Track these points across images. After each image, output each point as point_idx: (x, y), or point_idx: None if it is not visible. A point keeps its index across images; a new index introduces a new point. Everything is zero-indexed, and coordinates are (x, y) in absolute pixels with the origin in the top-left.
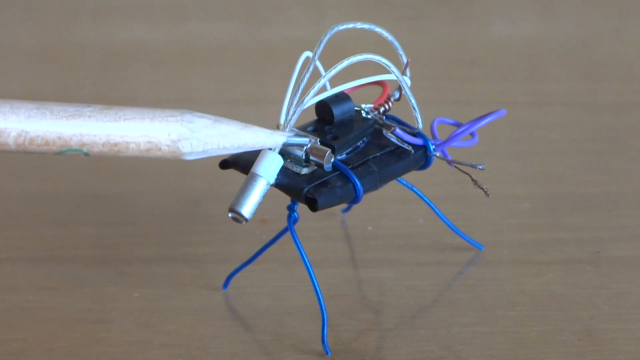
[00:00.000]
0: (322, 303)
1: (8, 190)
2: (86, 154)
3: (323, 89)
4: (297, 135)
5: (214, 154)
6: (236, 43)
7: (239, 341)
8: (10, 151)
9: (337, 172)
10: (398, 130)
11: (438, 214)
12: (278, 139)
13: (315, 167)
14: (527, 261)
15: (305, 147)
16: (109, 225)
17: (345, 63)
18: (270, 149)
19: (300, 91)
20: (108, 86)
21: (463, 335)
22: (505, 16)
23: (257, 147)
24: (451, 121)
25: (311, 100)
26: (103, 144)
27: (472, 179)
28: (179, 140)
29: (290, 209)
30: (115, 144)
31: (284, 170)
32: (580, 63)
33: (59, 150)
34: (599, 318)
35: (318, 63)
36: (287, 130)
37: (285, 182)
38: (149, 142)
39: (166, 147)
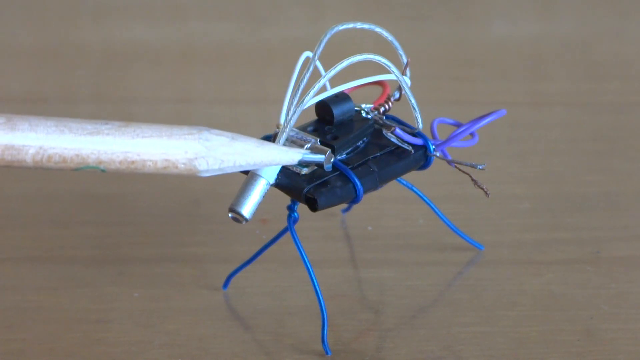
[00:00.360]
0: (322, 303)
1: (8, 190)
2: (103, 171)
3: (323, 89)
4: (312, 152)
5: (229, 171)
6: (236, 43)
7: (239, 341)
8: (28, 167)
9: (337, 172)
10: (398, 130)
11: (438, 214)
12: (294, 156)
13: (315, 167)
14: (527, 261)
15: (305, 147)
16: (109, 225)
17: (345, 63)
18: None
19: (300, 91)
20: (108, 86)
21: (463, 335)
22: (505, 16)
23: (273, 164)
24: (451, 121)
25: (311, 100)
26: (120, 162)
27: (472, 179)
28: (195, 158)
29: (290, 209)
30: (133, 162)
31: (284, 170)
32: (580, 63)
33: (76, 168)
34: (599, 318)
35: (318, 63)
36: (288, 129)
37: (285, 182)
38: (166, 160)
39: (182, 165)
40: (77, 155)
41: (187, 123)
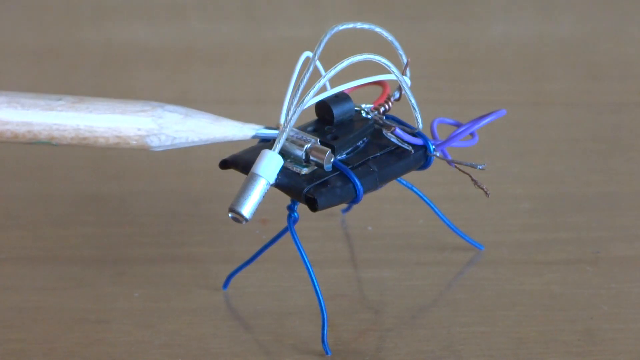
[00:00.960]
0: (322, 303)
1: (8, 190)
2: (55, 145)
3: (323, 89)
4: (268, 128)
5: (182, 146)
6: (236, 43)
7: (239, 341)
8: None
9: (337, 172)
10: (398, 130)
11: (438, 214)
12: (247, 131)
13: (315, 167)
14: (527, 261)
15: (305, 147)
16: (109, 225)
17: (345, 63)
18: (269, 149)
19: (300, 91)
20: (108, 86)
21: (463, 335)
22: (505, 16)
23: (226, 140)
24: (451, 121)
25: (311, 100)
26: (72, 138)
27: (472, 179)
28: (147, 135)
29: (290, 209)
30: (84, 138)
31: (284, 170)
32: (580, 63)
33: (28, 142)
34: (599, 318)
35: (318, 63)
36: (288, 129)
37: (285, 182)
38: (118, 137)
39: (134, 142)
40: (29, 132)
41: None
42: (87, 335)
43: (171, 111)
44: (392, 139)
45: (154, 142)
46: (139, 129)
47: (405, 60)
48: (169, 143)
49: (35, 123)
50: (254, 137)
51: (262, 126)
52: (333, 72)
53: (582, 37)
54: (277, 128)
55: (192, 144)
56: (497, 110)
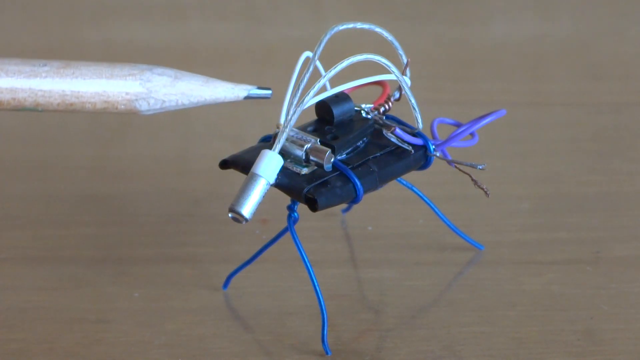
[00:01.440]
0: (322, 303)
1: (8, 190)
2: (41, 111)
3: (323, 89)
4: (260, 88)
5: (173, 109)
6: (236, 43)
7: (239, 341)
8: None
9: (337, 172)
10: (398, 130)
11: (438, 214)
12: (239, 92)
13: (315, 167)
14: (527, 261)
15: (305, 147)
16: (109, 225)
17: (345, 63)
18: (269, 149)
19: (300, 91)
20: None
21: (463, 335)
22: (505, 16)
23: (217, 102)
24: (451, 121)
25: (311, 100)
26: (58, 104)
27: (472, 179)
28: (136, 100)
29: (290, 209)
30: (71, 104)
31: (284, 170)
32: (580, 63)
33: (13, 109)
34: (599, 318)
35: (318, 63)
36: (288, 129)
37: (285, 182)
38: (105, 101)
39: (122, 107)
40: (14, 99)
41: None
42: (87, 335)
43: (160, 74)
44: (392, 139)
45: (143, 106)
46: (126, 93)
47: (405, 60)
48: (158, 107)
49: (19, 90)
50: (246, 97)
51: (254, 86)
52: (333, 72)
53: (582, 37)
54: (269, 89)
55: (182, 107)
56: (497, 110)
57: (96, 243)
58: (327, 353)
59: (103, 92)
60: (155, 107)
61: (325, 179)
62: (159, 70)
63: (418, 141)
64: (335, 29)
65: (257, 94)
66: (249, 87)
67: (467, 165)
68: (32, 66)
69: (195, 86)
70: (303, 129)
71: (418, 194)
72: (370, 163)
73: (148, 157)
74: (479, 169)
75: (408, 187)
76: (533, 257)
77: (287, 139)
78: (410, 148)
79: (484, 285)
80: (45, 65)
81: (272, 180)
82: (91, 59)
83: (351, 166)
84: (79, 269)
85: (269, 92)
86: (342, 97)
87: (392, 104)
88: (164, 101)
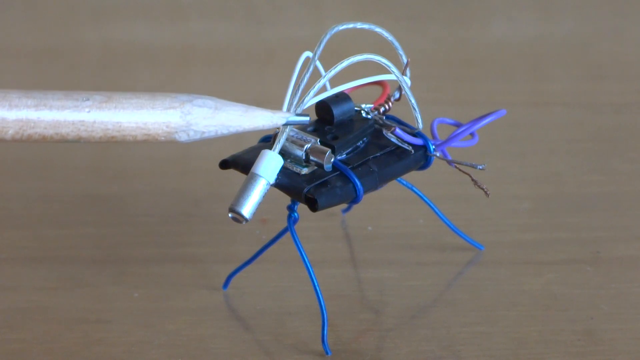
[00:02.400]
0: (322, 303)
1: (8, 190)
2: (82, 143)
3: (323, 89)
4: (298, 115)
5: (211, 138)
6: (236, 43)
7: (239, 341)
8: (6, 142)
9: (337, 172)
10: (398, 130)
11: (438, 214)
12: (278, 120)
13: (315, 167)
14: (527, 261)
15: (305, 147)
16: (109, 225)
17: (345, 63)
18: (271, 149)
19: (300, 91)
20: (108, 86)
21: (463, 335)
22: (505, 16)
23: (256, 130)
24: (451, 121)
25: (311, 100)
26: (100, 137)
27: (472, 179)
28: (176, 132)
29: (290, 209)
30: (112, 137)
31: (284, 170)
32: (580, 63)
33: (55, 142)
34: (599, 318)
35: (318, 63)
36: (288, 129)
37: (285, 182)
38: (146, 134)
39: (163, 139)
40: (57, 134)
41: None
42: (87, 335)
43: (200, 106)
44: (392, 139)
45: (183, 138)
46: (167, 126)
47: (405, 60)
48: (197, 137)
49: (63, 125)
50: (285, 124)
51: (292, 114)
52: (333, 72)
53: (582, 37)
54: (307, 115)
55: (221, 136)
56: (497, 110)
57: (96, 243)
58: (327, 353)
59: (144, 126)
60: (194, 138)
61: (325, 179)
62: (199, 102)
63: (418, 141)
64: (335, 29)
65: (295, 121)
66: (287, 114)
67: (467, 165)
68: (74, 101)
69: (234, 117)
70: (303, 129)
71: (418, 194)
72: (370, 163)
73: (148, 157)
74: (479, 169)
75: (408, 187)
76: (533, 257)
77: (287, 139)
78: (410, 148)
79: (484, 285)
80: (87, 99)
81: (272, 180)
82: (91, 59)
83: (351, 166)
84: (79, 269)
85: (307, 118)
86: (342, 97)
87: (392, 104)
88: (203, 132)
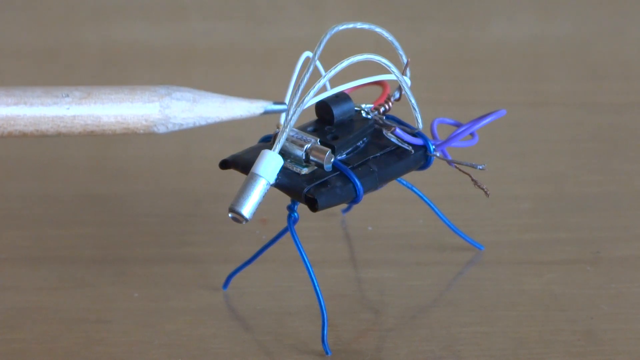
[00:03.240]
0: (322, 303)
1: (8, 190)
2: (61, 137)
3: (323, 89)
4: (276, 103)
5: (189, 128)
6: (236, 43)
7: (239, 341)
8: None
9: (337, 172)
10: (398, 130)
11: (438, 214)
12: (255, 110)
13: (315, 167)
14: (527, 261)
15: (305, 147)
16: (109, 225)
17: (345, 63)
18: (268, 149)
19: (300, 91)
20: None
21: (463, 335)
22: (505, 16)
23: (234, 120)
24: (451, 121)
25: (311, 100)
26: (79, 132)
27: (472, 179)
28: (154, 125)
29: (290, 209)
30: (92, 132)
31: (284, 170)
32: (580, 63)
33: (35, 138)
34: (599, 318)
35: (318, 63)
36: (288, 129)
37: (285, 182)
38: (125, 128)
39: (142, 132)
40: (37, 130)
41: None
42: (87, 335)
43: (178, 99)
44: (392, 139)
45: (161, 130)
46: (145, 121)
47: (405, 60)
48: (176, 129)
49: (42, 123)
50: (263, 114)
51: (270, 102)
52: (333, 72)
53: (582, 37)
54: (284, 103)
55: (199, 126)
56: (497, 110)
57: (96, 243)
58: (327, 353)
59: (123, 121)
60: (173, 130)
61: (325, 179)
62: (178, 95)
63: (418, 141)
64: (335, 29)
65: (274, 109)
66: (265, 103)
67: (467, 165)
68: (54, 97)
69: (212, 108)
70: (303, 129)
71: (418, 194)
72: (370, 163)
73: (148, 157)
74: (479, 169)
75: (408, 187)
76: (533, 257)
77: (287, 139)
78: (410, 148)
79: (484, 285)
80: (67, 96)
81: (272, 180)
82: (91, 59)
83: (351, 166)
84: (79, 269)
85: (285, 106)
86: (342, 97)
87: (392, 104)
88: (181, 124)
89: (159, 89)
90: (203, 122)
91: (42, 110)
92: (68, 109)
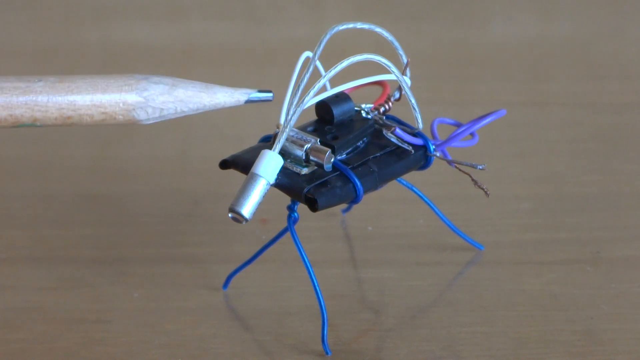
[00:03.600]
0: (322, 303)
1: (8, 190)
2: (39, 126)
3: (323, 89)
4: (261, 91)
5: (172, 117)
6: (236, 43)
7: (239, 341)
8: None
9: (337, 172)
10: (398, 130)
11: (438, 214)
12: (239, 97)
13: (315, 167)
14: (527, 261)
15: (305, 147)
16: (109, 225)
17: (345, 63)
18: (270, 151)
19: (300, 91)
20: None
21: (463, 335)
22: (505, 16)
23: (218, 108)
24: (451, 121)
25: (311, 100)
26: (55, 118)
27: (472, 179)
28: (133, 109)
29: (290, 209)
30: (69, 117)
31: (284, 170)
32: (580, 63)
33: (12, 126)
34: (599, 318)
35: (318, 63)
36: (288, 129)
37: (285, 182)
38: (103, 113)
39: (121, 117)
40: (11, 116)
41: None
42: (87, 335)
43: (156, 82)
44: (392, 139)
45: (142, 115)
46: (123, 103)
47: (405, 60)
48: (157, 115)
49: (16, 106)
50: (247, 102)
51: (254, 90)
52: (333, 72)
53: (582, 37)
54: (269, 91)
55: (182, 114)
56: (497, 110)
57: (96, 243)
58: (327, 353)
59: (100, 104)
60: (154, 116)
61: (325, 179)
62: (156, 78)
63: (418, 141)
64: (335, 29)
65: (258, 97)
66: (249, 90)
67: (467, 165)
68: (27, 82)
69: (193, 93)
70: (303, 129)
71: (418, 194)
72: (370, 163)
73: (148, 157)
74: (479, 169)
75: (408, 187)
76: (533, 257)
77: (287, 139)
78: (410, 148)
79: (484, 285)
80: (40, 80)
81: (272, 180)
82: (91, 59)
83: (351, 166)
84: (78, 269)
85: (270, 94)
86: (342, 97)
87: (392, 104)
88: (162, 109)
89: (136, 75)
90: (185, 108)
91: (14, 93)
92: (41, 91)
